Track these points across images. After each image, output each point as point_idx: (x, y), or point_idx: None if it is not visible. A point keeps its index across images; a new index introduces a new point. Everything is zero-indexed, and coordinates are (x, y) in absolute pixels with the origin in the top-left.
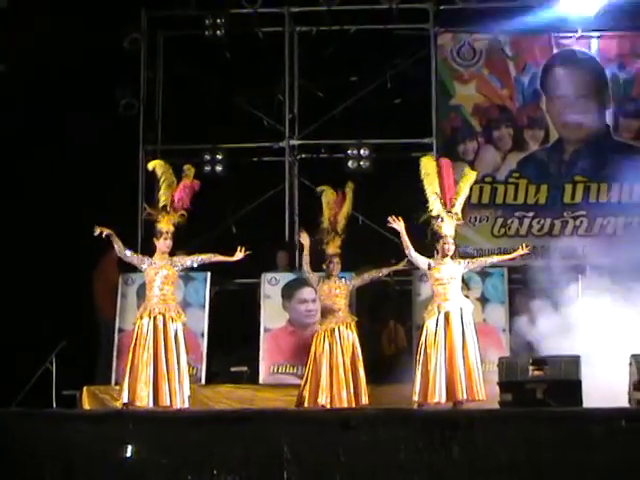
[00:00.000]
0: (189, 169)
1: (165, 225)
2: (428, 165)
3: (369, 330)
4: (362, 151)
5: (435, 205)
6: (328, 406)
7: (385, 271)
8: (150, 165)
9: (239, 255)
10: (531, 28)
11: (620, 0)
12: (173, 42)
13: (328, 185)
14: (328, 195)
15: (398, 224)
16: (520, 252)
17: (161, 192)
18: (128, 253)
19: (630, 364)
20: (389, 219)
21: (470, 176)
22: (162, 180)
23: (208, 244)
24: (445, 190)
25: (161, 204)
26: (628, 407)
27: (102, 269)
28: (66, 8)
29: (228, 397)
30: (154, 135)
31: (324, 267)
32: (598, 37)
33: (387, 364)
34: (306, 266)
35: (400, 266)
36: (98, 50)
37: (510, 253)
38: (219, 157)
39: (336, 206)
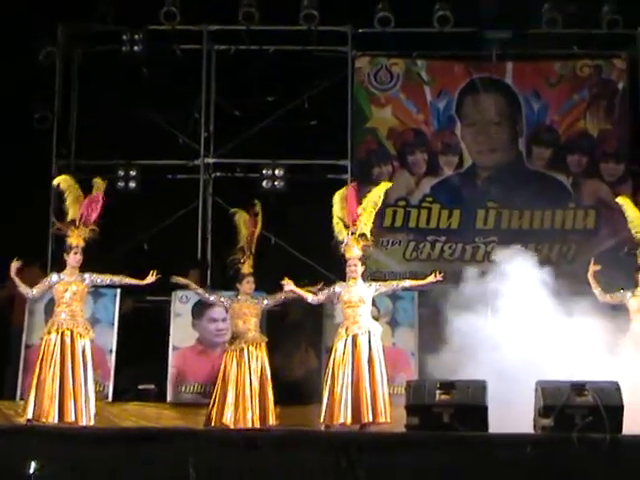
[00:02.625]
0: (98, 183)
1: (75, 240)
2: (337, 194)
3: (280, 351)
4: (277, 171)
5: (340, 229)
6: (233, 426)
7: (299, 292)
8: (55, 181)
9: (150, 279)
10: (448, 54)
11: (534, 28)
12: (90, 57)
13: (243, 205)
14: (243, 216)
15: (289, 285)
16: (432, 279)
17: (68, 207)
18: (33, 291)
19: (536, 390)
20: (283, 283)
21: (376, 191)
22: (67, 195)
23: (120, 260)
24: (349, 214)
25: (69, 219)
26: (533, 433)
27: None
28: None
29: (135, 415)
30: (67, 150)
31: (237, 286)
32: (513, 64)
33: (297, 385)
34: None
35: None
36: (14, 63)
37: (422, 278)
38: (133, 173)
39: (251, 226)
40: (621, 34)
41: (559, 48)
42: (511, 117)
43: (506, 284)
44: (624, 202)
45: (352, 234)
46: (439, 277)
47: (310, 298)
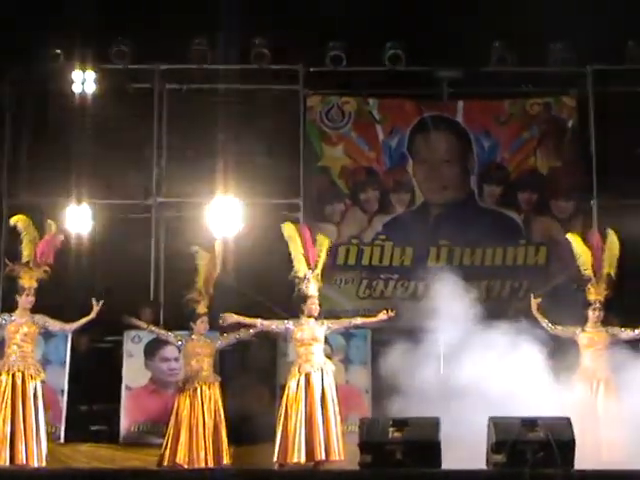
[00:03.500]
0: (51, 224)
1: (27, 281)
2: (289, 230)
3: (233, 390)
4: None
5: (301, 266)
6: (186, 466)
7: (252, 332)
8: (12, 220)
9: (95, 310)
10: (399, 92)
11: (484, 66)
12: (42, 95)
13: (195, 244)
14: (203, 256)
15: (234, 318)
16: (383, 316)
17: (23, 247)
18: None
19: (488, 427)
20: (223, 320)
21: (325, 244)
22: (24, 235)
23: (72, 300)
24: (308, 252)
25: (24, 260)
26: (485, 469)
27: None
28: None
29: (88, 456)
30: (18, 189)
31: (192, 325)
32: (463, 103)
33: (250, 424)
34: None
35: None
36: None
37: (374, 315)
38: (85, 213)
39: (210, 267)
40: (571, 72)
41: (509, 86)
42: (462, 155)
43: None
44: (573, 239)
45: (312, 272)
46: (391, 314)
47: (259, 322)
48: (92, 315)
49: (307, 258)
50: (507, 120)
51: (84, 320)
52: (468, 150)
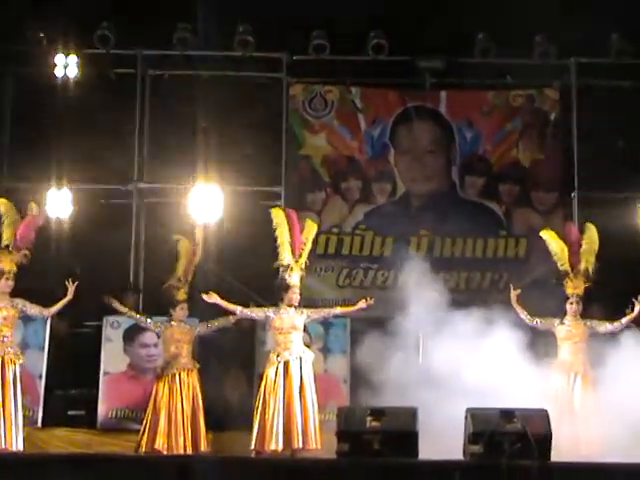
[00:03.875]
0: (32, 206)
1: (7, 265)
2: (278, 216)
3: (212, 377)
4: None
5: (286, 255)
6: (165, 452)
7: (232, 319)
8: None
9: (70, 291)
10: (382, 82)
11: (469, 58)
12: (23, 79)
13: (175, 230)
14: (184, 244)
15: (214, 298)
16: (362, 305)
17: (3, 231)
18: None
19: (466, 417)
20: (204, 297)
21: (313, 229)
22: (4, 218)
23: (51, 284)
24: (294, 240)
25: (3, 243)
26: (462, 460)
27: None
28: None
29: (65, 441)
30: None
31: (171, 312)
32: (447, 93)
33: (228, 412)
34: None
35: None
36: None
37: (353, 305)
38: (66, 197)
39: (191, 254)
40: (554, 65)
41: (492, 78)
42: (444, 146)
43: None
44: (549, 235)
45: (296, 262)
46: (370, 302)
47: (238, 310)
48: (69, 296)
49: (293, 246)
50: (490, 111)
51: (62, 303)
52: (450, 141)
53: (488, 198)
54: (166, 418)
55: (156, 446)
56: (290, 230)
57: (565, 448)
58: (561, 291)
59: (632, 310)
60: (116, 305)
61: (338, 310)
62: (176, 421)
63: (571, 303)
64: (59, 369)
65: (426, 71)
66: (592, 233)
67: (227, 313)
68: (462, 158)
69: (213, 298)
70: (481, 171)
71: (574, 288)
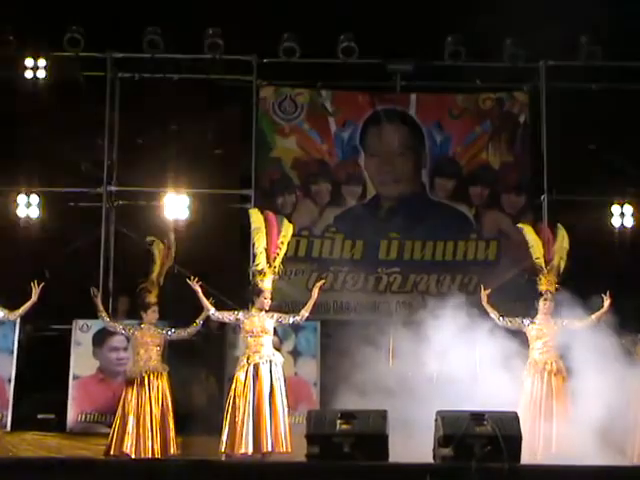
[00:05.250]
0: None
1: None
2: (257, 219)
3: (181, 380)
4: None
5: (261, 260)
6: (133, 455)
7: (201, 326)
8: None
9: (35, 292)
10: (352, 85)
11: (438, 61)
12: None
13: (146, 232)
14: (159, 247)
15: (195, 286)
16: (317, 289)
17: None
18: None
19: (436, 420)
20: (188, 281)
21: (290, 230)
22: None
23: (20, 288)
24: (270, 245)
25: None
26: (432, 463)
27: None
28: None
29: (34, 445)
30: None
31: (142, 315)
32: (417, 96)
33: (198, 415)
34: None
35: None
36: None
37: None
38: (35, 200)
39: (164, 257)
40: (523, 68)
41: (462, 81)
42: (414, 148)
43: (408, 315)
44: (525, 228)
45: (270, 266)
46: (323, 281)
47: (212, 311)
48: (34, 298)
49: (269, 251)
50: (460, 114)
51: (27, 305)
52: (420, 143)
53: (458, 201)
54: (135, 421)
55: (125, 449)
56: (267, 235)
57: (537, 448)
58: (531, 293)
59: (602, 306)
60: (96, 301)
61: (306, 313)
62: (145, 424)
63: (545, 299)
64: (28, 373)
65: (396, 74)
66: (563, 233)
67: (200, 315)
68: (432, 161)
69: (196, 285)
70: (451, 174)
71: (547, 285)
